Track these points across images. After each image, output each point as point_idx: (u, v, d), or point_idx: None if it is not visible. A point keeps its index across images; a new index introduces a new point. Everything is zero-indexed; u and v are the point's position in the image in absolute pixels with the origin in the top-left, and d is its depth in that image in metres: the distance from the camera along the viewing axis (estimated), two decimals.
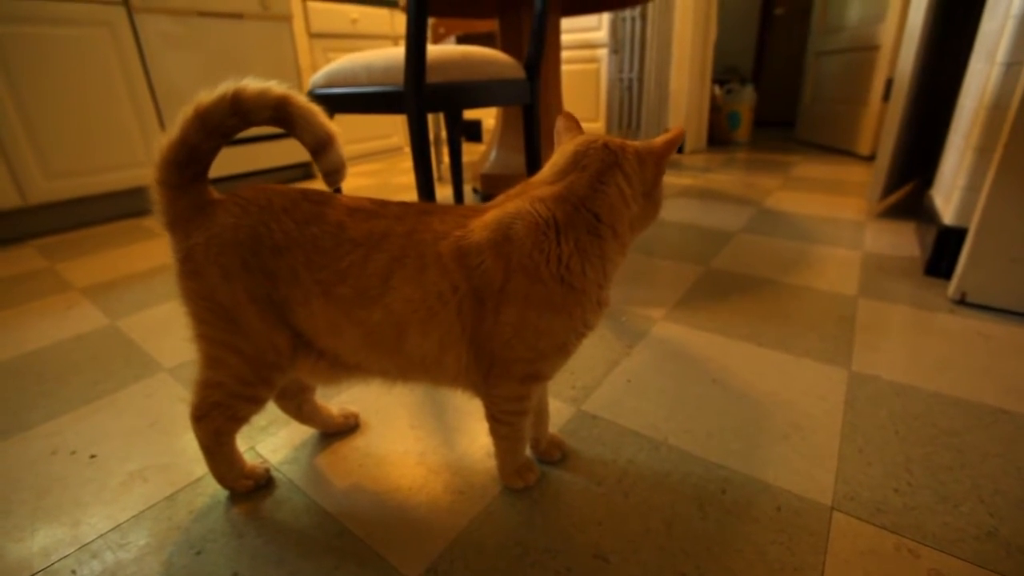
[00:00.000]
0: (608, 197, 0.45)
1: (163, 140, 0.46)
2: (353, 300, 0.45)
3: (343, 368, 0.51)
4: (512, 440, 0.53)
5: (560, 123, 0.53)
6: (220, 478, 0.55)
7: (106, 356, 0.86)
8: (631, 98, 2.16)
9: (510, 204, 0.45)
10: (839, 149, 2.58)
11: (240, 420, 0.53)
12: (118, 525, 0.52)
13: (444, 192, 1.92)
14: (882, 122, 1.99)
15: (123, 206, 1.80)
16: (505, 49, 1.65)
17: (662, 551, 0.48)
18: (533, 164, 1.18)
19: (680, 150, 2.61)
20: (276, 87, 0.47)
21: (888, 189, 1.57)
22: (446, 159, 2.34)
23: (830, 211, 1.57)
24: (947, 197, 1.09)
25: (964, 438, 0.61)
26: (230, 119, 0.47)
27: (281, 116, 0.48)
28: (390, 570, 0.47)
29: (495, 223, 0.43)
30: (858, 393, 0.70)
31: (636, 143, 0.48)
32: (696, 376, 0.75)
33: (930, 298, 0.97)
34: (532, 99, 1.14)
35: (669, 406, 0.69)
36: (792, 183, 1.94)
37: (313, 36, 2.28)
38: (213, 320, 0.47)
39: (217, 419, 0.52)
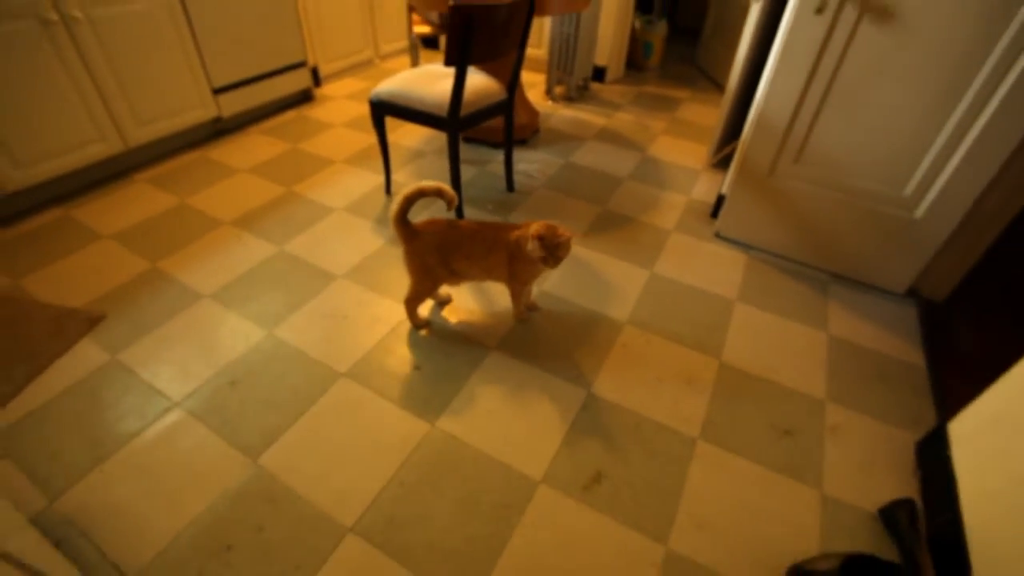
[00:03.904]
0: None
1: (392, 208, 1.28)
2: (476, 260, 1.34)
3: (463, 279, 1.42)
4: (517, 300, 1.48)
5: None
6: (412, 323, 1.47)
7: (299, 271, 1.67)
8: (568, 48, 2.81)
9: (522, 232, 1.32)
10: (720, 85, 3.41)
11: (422, 302, 1.44)
12: (378, 341, 1.44)
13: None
14: None
15: (186, 139, 2.33)
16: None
17: (571, 336, 1.48)
18: (508, 132, 1.97)
19: (602, 79, 3.33)
20: (439, 185, 1.28)
21: (721, 145, 2.50)
22: None
23: (685, 158, 2.50)
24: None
25: (681, 299, 1.65)
26: (418, 196, 1.28)
27: (439, 195, 1.29)
28: (483, 347, 1.43)
29: (516, 238, 1.32)
30: (650, 283, 1.71)
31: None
32: (590, 273, 1.72)
33: (705, 232, 1.98)
34: (510, 110, 1.89)
35: (577, 288, 1.66)
36: (674, 127, 2.82)
37: None
38: (423, 271, 1.35)
39: (414, 303, 1.42)
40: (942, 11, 1.30)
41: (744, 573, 1.00)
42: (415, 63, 2.72)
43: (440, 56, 3.66)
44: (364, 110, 2.79)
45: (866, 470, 1.19)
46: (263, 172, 2.18)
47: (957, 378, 1.39)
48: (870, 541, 1.05)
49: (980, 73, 1.33)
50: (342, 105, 2.82)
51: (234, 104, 2.40)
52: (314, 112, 2.73)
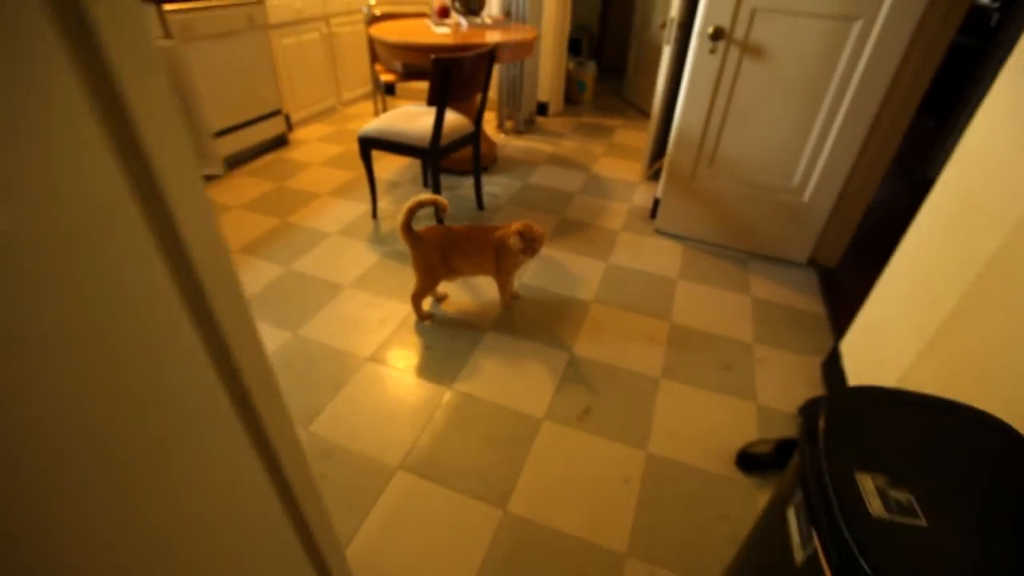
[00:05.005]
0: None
1: (399, 219, 1.57)
2: (470, 257, 1.65)
3: (459, 274, 1.72)
4: (504, 289, 1.79)
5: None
6: (418, 315, 1.74)
7: (309, 286, 1.91)
8: (515, 88, 3.24)
9: (504, 230, 1.65)
10: (646, 112, 3.95)
11: (425, 297, 1.72)
12: (391, 332, 1.69)
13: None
14: None
15: None
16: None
17: (550, 315, 1.80)
18: (476, 159, 2.32)
19: (545, 113, 3.78)
20: (434, 196, 1.59)
21: (652, 160, 2.96)
22: None
23: (625, 175, 2.94)
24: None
25: (634, 281, 2.01)
26: (418, 207, 1.59)
27: (434, 205, 1.60)
28: (479, 329, 1.72)
29: (500, 235, 1.64)
30: (608, 271, 2.07)
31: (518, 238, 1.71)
32: (558, 267, 2.06)
33: (647, 229, 2.38)
34: (478, 140, 2.25)
35: (550, 279, 1.99)
36: (612, 149, 3.28)
37: (272, 27, 2.90)
38: (427, 269, 1.64)
39: (420, 297, 1.70)
40: (792, 52, 1.78)
41: (705, 460, 1.32)
42: (383, 107, 3.06)
43: (399, 101, 4.03)
44: (337, 150, 3.07)
45: (787, 386, 1.56)
46: (256, 208, 2.41)
47: (847, 317, 1.80)
48: (794, 431, 1.40)
49: (828, 92, 1.81)
50: (315, 147, 3.09)
51: (220, 150, 2.62)
52: (291, 154, 2.99)
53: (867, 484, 0.60)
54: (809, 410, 0.71)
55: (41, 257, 0.33)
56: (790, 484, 0.73)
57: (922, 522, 0.57)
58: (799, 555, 0.66)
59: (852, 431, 0.67)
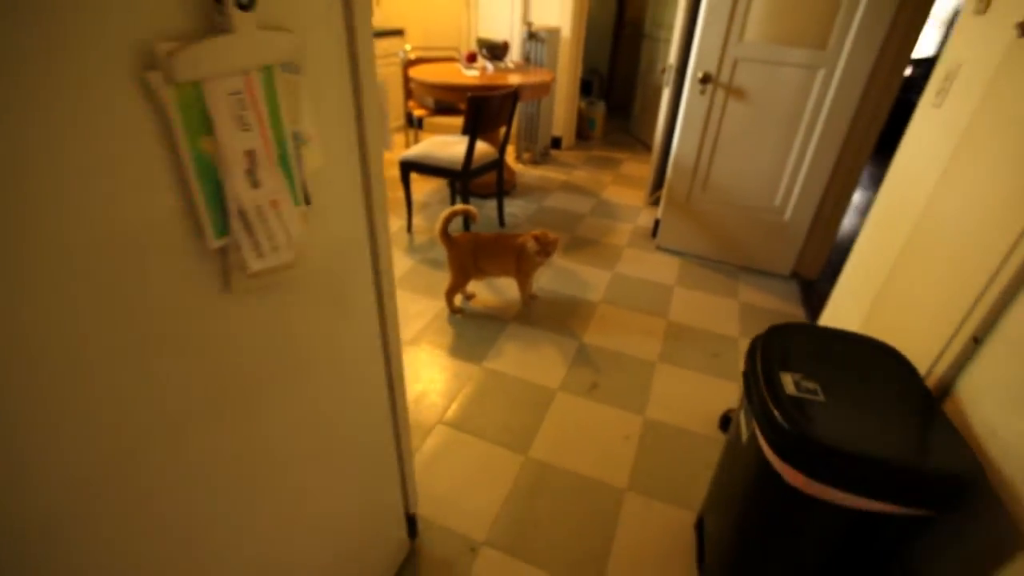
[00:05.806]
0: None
1: (436, 226, 1.89)
2: (495, 258, 1.95)
3: (485, 274, 2.02)
4: (523, 288, 2.09)
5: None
6: (450, 309, 2.04)
7: None
8: (532, 124, 3.63)
9: (525, 237, 1.96)
10: (651, 146, 4.32)
11: (457, 293, 2.02)
12: (427, 322, 1.99)
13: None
14: None
15: None
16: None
17: (563, 312, 2.08)
18: (499, 183, 2.65)
19: (559, 147, 4.17)
20: (466, 206, 1.92)
21: (654, 189, 3.29)
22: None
23: (630, 200, 3.27)
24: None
25: (637, 287, 2.30)
26: (452, 216, 1.91)
27: (466, 214, 1.93)
28: (502, 321, 2.01)
29: (521, 241, 1.95)
30: (614, 279, 2.36)
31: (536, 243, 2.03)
32: (571, 275, 2.35)
33: (649, 246, 2.68)
34: (502, 166, 2.59)
35: (563, 284, 2.28)
36: (619, 179, 3.62)
37: None
38: (460, 268, 1.94)
39: (452, 293, 2.00)
40: (769, 93, 2.12)
41: (694, 424, 1.57)
42: (414, 138, 3.45)
43: (427, 134, 4.45)
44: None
45: None
46: None
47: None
48: None
49: (800, 127, 2.14)
50: None
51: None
52: None
53: (787, 379, 0.88)
54: (755, 339, 0.98)
55: (330, 176, 0.64)
56: (740, 401, 1.00)
57: (822, 399, 0.84)
58: (744, 435, 0.92)
59: (782, 348, 0.95)
